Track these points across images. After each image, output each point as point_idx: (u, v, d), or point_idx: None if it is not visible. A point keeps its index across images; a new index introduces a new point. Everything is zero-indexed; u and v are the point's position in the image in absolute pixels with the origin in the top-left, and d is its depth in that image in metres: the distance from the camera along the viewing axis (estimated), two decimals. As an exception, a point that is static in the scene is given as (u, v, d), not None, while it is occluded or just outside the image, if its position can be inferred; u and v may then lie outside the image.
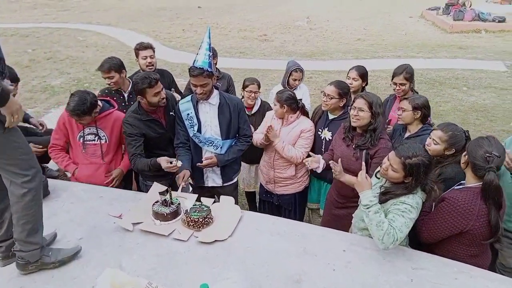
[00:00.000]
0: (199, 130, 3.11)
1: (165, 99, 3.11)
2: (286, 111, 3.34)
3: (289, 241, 2.41)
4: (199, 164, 3.14)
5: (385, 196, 2.29)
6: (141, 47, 3.98)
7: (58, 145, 3.25)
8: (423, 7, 18.39)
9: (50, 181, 3.01)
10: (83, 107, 2.98)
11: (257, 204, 4.24)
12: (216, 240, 2.39)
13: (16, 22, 16.50)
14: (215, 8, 20.31)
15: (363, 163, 2.45)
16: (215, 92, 3.07)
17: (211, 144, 3.13)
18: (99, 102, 3.19)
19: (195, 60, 2.85)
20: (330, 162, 2.76)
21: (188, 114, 3.07)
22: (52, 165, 3.74)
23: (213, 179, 3.31)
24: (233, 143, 3.21)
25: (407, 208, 2.18)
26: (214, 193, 3.35)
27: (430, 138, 2.73)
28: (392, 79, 3.67)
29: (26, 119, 3.64)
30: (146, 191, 3.05)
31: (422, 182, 2.22)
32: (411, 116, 3.10)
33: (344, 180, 2.72)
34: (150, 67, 3.96)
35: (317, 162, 3.05)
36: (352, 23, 16.92)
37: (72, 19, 17.04)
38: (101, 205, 2.78)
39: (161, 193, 2.74)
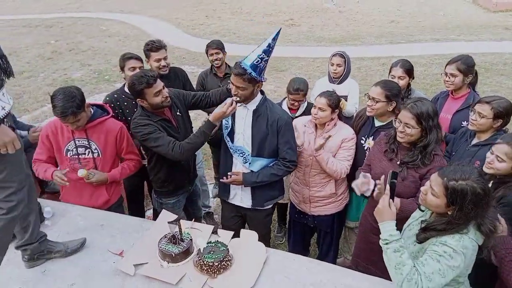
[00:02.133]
0: (230, 135, 2.64)
1: (169, 99, 2.63)
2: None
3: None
4: (222, 180, 2.68)
5: (424, 233, 1.75)
6: (153, 47, 3.40)
7: (41, 159, 2.73)
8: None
9: (47, 204, 2.63)
10: (75, 102, 2.43)
11: (287, 223, 3.68)
12: (234, 294, 1.92)
13: (40, 13, 16.44)
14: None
15: (388, 185, 1.91)
16: (258, 98, 2.55)
17: (241, 155, 2.63)
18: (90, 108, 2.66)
19: (245, 57, 2.38)
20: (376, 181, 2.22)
21: None
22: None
23: (241, 197, 2.79)
24: (269, 164, 2.66)
25: (447, 252, 1.64)
26: (242, 213, 2.88)
27: (491, 153, 2.15)
28: (445, 67, 3.10)
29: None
30: (161, 210, 2.62)
31: (470, 216, 1.66)
32: (489, 125, 2.47)
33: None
34: (164, 70, 3.44)
35: (368, 184, 2.44)
36: (384, 4, 15.86)
37: (95, 7, 16.80)
38: (101, 237, 2.37)
39: (171, 223, 2.30)
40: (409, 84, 3.31)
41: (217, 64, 3.94)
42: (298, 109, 3.32)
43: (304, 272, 2.07)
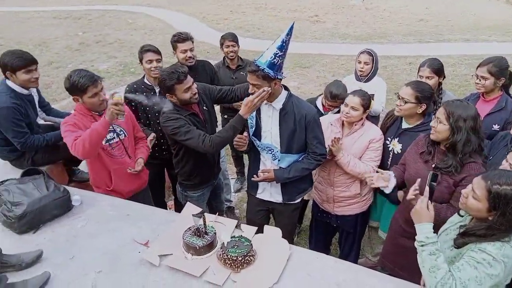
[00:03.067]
0: (256, 135, 2.64)
1: (197, 95, 2.64)
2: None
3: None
4: (253, 178, 2.68)
5: (463, 238, 1.70)
6: (179, 39, 3.46)
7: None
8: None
9: (76, 192, 2.70)
10: (92, 74, 2.55)
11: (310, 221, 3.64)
12: (257, 289, 1.93)
13: (71, 5, 16.81)
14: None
15: (427, 187, 1.87)
16: (282, 95, 2.53)
17: (270, 152, 2.63)
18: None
19: (261, 55, 2.37)
20: (412, 188, 2.17)
21: None
22: (83, 166, 3.43)
23: (270, 193, 2.80)
24: (298, 159, 2.65)
25: (486, 259, 1.58)
26: (269, 207, 2.89)
27: None
28: (477, 69, 3.03)
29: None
30: (185, 203, 2.65)
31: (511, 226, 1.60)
32: None
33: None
34: (190, 61, 3.49)
35: (386, 180, 2.45)
36: (413, 2, 15.51)
37: (122, 1, 17.04)
38: (128, 227, 2.41)
39: (195, 216, 2.32)
40: (440, 84, 3.23)
41: (231, 56, 4.00)
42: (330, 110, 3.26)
43: (327, 271, 2.06)
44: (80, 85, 2.50)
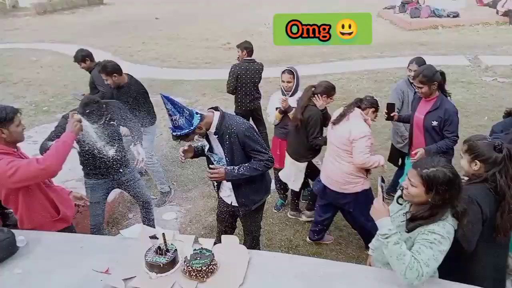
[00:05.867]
0: (210, 150, 2.94)
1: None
2: None
3: (310, 285, 2.12)
4: (206, 175, 2.94)
5: (413, 223, 2.05)
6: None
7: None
8: (379, 6, 18.74)
9: (19, 233, 2.57)
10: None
11: None
12: (226, 292, 2.07)
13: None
14: (173, 19, 19.77)
15: (379, 188, 2.21)
16: (215, 120, 2.78)
17: (223, 164, 2.92)
18: None
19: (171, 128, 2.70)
20: None
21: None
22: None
23: (229, 195, 3.09)
24: None
25: (437, 239, 1.94)
26: (234, 211, 3.16)
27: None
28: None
29: None
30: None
31: (447, 199, 1.99)
32: None
33: None
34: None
35: None
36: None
37: (22, 38, 16.01)
38: (83, 259, 2.38)
39: (152, 237, 2.39)
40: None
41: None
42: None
43: (285, 266, 2.27)
44: (7, 115, 2.52)
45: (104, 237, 2.69)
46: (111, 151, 3.38)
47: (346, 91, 8.54)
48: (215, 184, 3.12)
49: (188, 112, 2.64)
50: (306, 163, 4.06)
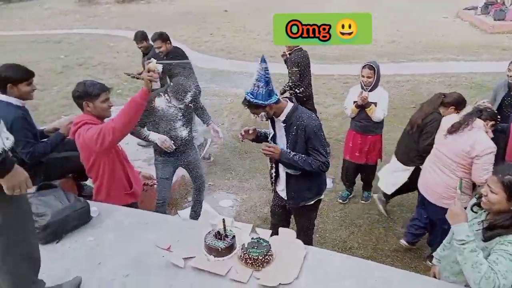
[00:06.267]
0: (274, 140, 2.94)
1: None
2: None
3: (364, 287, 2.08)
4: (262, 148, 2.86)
5: (491, 232, 1.92)
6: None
7: None
8: (458, 7, 17.58)
9: (93, 204, 2.79)
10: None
11: None
12: (280, 284, 2.09)
13: (49, 29, 16.77)
14: (241, 12, 20.06)
15: (458, 191, 2.10)
16: (287, 109, 2.77)
17: None
18: None
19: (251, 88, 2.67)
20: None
21: None
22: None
23: (283, 189, 3.07)
24: None
25: None
26: (285, 204, 3.16)
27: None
28: None
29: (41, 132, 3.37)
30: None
31: None
32: None
33: None
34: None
35: None
36: (383, 24, 16.36)
37: (102, 25, 17.17)
38: (147, 234, 2.53)
39: (213, 223, 2.48)
40: None
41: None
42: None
43: (341, 266, 2.24)
44: (93, 90, 2.74)
45: (167, 216, 2.84)
46: (184, 131, 3.57)
47: (416, 94, 8.14)
48: (273, 176, 3.13)
49: (271, 88, 2.65)
50: (412, 168, 3.94)
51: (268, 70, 2.58)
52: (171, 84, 3.44)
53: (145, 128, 3.49)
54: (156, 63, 2.78)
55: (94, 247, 2.42)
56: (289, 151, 2.78)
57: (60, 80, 9.67)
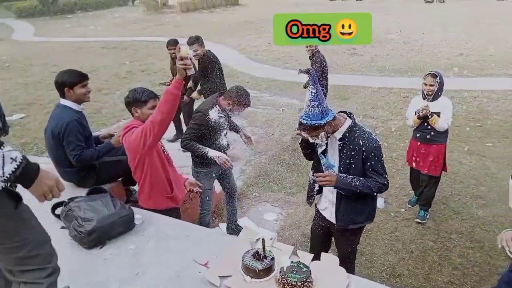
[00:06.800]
0: (324, 154, 2.76)
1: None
2: None
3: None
4: (312, 176, 2.76)
5: None
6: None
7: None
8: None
9: (137, 211, 2.85)
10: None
11: None
12: (317, 315, 1.96)
13: (118, 36, 17.90)
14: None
15: None
16: (344, 125, 2.63)
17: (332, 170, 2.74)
18: None
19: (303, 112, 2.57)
20: None
21: None
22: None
23: (331, 212, 2.84)
24: None
25: None
26: (329, 227, 2.95)
27: None
28: None
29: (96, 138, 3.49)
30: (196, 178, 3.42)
31: None
32: None
33: None
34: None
35: None
36: (451, 36, 15.46)
37: (166, 33, 17.97)
38: (187, 247, 2.52)
39: (252, 241, 2.41)
40: None
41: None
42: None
43: (387, 301, 2.07)
44: (142, 97, 2.79)
45: (208, 230, 2.82)
46: (225, 140, 3.61)
47: (483, 111, 7.55)
48: (315, 191, 2.97)
49: (325, 105, 2.52)
50: None
51: (319, 88, 2.47)
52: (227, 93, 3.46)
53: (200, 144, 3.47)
54: None
55: (134, 255, 2.45)
56: (346, 175, 2.62)
57: (123, 85, 10.20)
